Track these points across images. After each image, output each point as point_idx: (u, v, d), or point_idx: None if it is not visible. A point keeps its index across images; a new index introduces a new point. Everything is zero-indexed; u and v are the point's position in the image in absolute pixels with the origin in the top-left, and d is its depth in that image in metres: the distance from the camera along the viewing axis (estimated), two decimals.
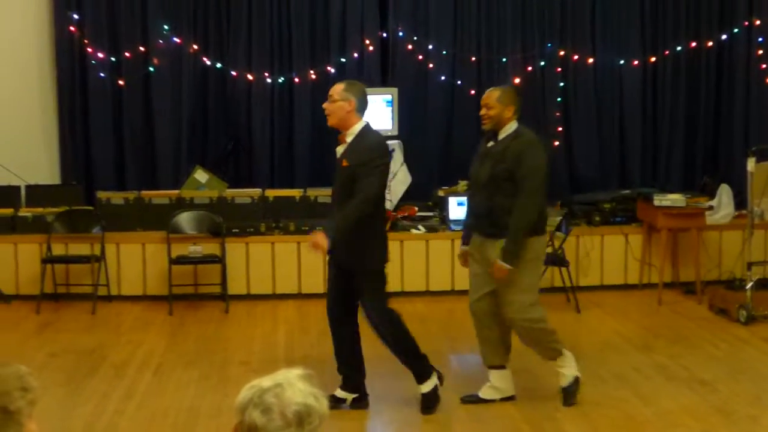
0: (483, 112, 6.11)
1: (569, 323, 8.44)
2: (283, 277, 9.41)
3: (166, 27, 10.28)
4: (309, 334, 8.15)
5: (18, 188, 9.91)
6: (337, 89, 6.01)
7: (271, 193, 9.83)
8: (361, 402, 6.27)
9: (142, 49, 10.32)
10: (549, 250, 9.03)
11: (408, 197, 9.88)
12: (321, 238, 5.75)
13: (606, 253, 9.63)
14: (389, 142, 9.37)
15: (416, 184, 9.89)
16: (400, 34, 10.46)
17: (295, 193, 9.83)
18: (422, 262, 9.46)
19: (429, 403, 6.17)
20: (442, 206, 9.85)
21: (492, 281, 6.09)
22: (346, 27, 10.46)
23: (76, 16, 10.26)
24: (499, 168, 5.98)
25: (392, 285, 9.06)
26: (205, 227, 9.34)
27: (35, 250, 9.34)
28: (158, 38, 10.29)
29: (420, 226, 9.58)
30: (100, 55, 10.25)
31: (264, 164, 10.49)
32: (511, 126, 6.09)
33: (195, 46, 10.34)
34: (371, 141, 5.99)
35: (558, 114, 10.59)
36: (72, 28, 10.26)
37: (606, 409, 6.16)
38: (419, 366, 6.22)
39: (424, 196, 10.21)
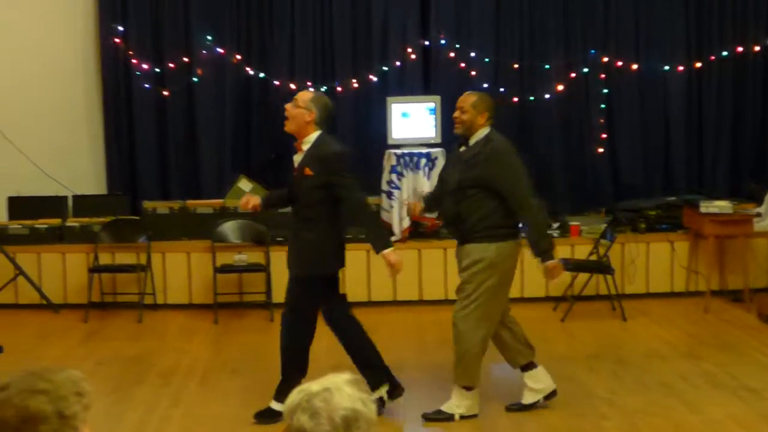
0: (456, 115, 6.14)
1: (615, 331, 8.42)
2: None
3: (209, 37, 10.39)
4: None
5: (65, 198, 10.06)
6: (304, 97, 6.11)
7: None
8: None
9: (185, 59, 10.44)
10: (594, 257, 9.05)
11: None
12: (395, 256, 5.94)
13: (651, 260, 9.57)
14: (432, 150, 9.47)
15: None
16: (442, 42, 10.48)
17: None
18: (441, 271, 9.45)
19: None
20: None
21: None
22: (388, 35, 10.50)
23: (120, 28, 10.41)
24: (467, 174, 6.01)
25: (435, 293, 9.19)
26: (249, 236, 9.42)
27: (82, 259, 9.47)
28: (201, 49, 10.40)
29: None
30: (145, 66, 10.38)
31: None
32: (483, 132, 6.11)
33: (238, 56, 10.44)
34: (333, 149, 6.07)
35: (602, 121, 10.54)
36: (117, 40, 10.40)
37: (653, 418, 6.14)
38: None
39: None
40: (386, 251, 5.97)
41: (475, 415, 6.16)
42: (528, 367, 6.35)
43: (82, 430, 2.43)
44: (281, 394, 5.98)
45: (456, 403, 6.15)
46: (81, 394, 2.46)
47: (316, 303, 6.25)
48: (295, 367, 6.13)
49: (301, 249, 6.15)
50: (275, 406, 6.09)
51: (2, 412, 2.36)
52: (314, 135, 6.07)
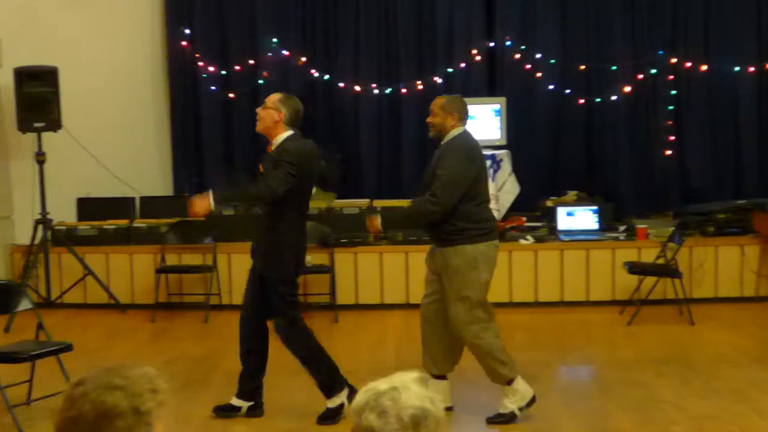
0: (429, 119, 6.21)
1: (682, 336, 8.33)
2: (391, 287, 9.48)
3: (274, 40, 10.47)
4: (417, 344, 8.15)
5: (133, 200, 10.21)
6: (273, 98, 6.17)
7: (379, 203, 9.90)
8: (255, 411, 6.39)
9: (251, 62, 10.53)
10: (661, 261, 8.95)
11: (516, 207, 9.85)
12: (202, 200, 5.93)
13: (720, 264, 9.46)
14: (497, 152, 9.45)
15: (524, 194, 9.85)
16: (508, 43, 10.46)
17: (403, 203, 9.84)
18: (530, 273, 9.43)
19: (329, 416, 6.18)
20: (550, 216, 9.81)
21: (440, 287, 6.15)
22: (453, 37, 10.50)
23: (187, 32, 10.54)
24: (428, 173, 6.13)
25: (500, 296, 9.16)
26: (314, 238, 9.46)
27: (149, 260, 9.61)
28: (267, 51, 10.49)
29: (528, 237, 9.55)
30: (211, 68, 10.49)
31: (371, 174, 10.58)
32: (454, 132, 6.15)
33: (303, 59, 10.50)
34: (294, 144, 6.10)
35: (670, 123, 10.42)
36: (184, 43, 10.53)
37: (722, 423, 6.05)
38: (327, 379, 6.26)
39: (533, 206, 10.17)
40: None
41: (533, 399, 6.12)
42: (437, 377, 6.29)
43: (156, 426, 2.47)
44: (331, 391, 6.19)
45: (509, 401, 6.12)
46: (156, 391, 2.50)
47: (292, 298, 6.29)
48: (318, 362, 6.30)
49: (268, 252, 6.20)
50: (330, 404, 6.19)
51: (79, 407, 2.40)
52: (283, 135, 6.12)
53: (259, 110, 6.18)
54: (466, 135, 6.22)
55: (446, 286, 6.05)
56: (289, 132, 6.14)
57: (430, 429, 2.49)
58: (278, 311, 6.22)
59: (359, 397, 2.54)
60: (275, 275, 6.16)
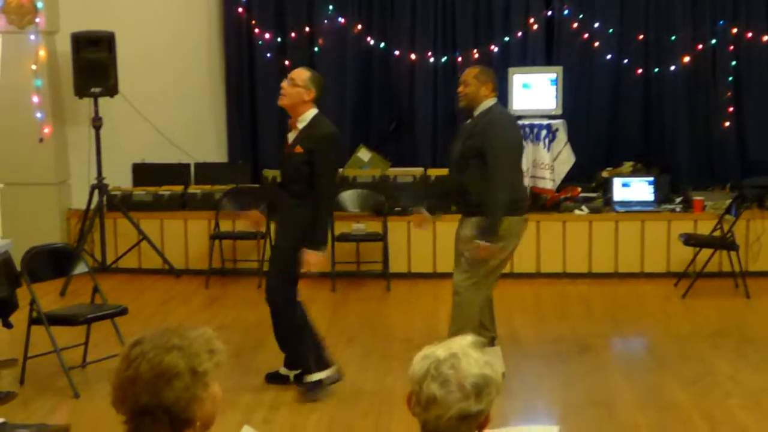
0: (460, 89, 6.16)
1: (738, 309, 8.22)
2: (445, 257, 9.39)
3: (331, 7, 10.41)
4: None
5: (188, 166, 10.25)
6: (302, 76, 6.06)
7: (433, 172, 9.85)
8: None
9: (307, 29, 10.48)
10: (718, 233, 8.82)
11: (571, 178, 9.74)
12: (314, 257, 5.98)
13: None
14: (553, 122, 9.36)
15: (580, 164, 9.73)
16: (566, 12, 10.30)
17: None
18: (585, 244, 9.35)
19: (311, 389, 6.14)
20: (606, 187, 9.70)
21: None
22: (510, 6, 10.36)
23: None
24: (467, 144, 6.05)
25: (554, 266, 9.12)
26: (368, 205, 9.47)
27: (204, 226, 9.65)
28: (323, 19, 10.44)
29: (583, 207, 9.46)
30: (267, 35, 10.46)
31: (426, 143, 10.52)
32: (487, 104, 6.10)
33: (359, 26, 10.44)
34: (326, 129, 6.08)
35: (729, 94, 10.21)
36: (240, 10, 10.50)
37: None
38: (302, 356, 6.21)
39: (588, 176, 10.06)
40: (311, 250, 5.95)
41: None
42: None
43: (212, 386, 2.47)
44: (307, 369, 6.16)
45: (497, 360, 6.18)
46: (213, 352, 2.51)
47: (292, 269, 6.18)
48: (298, 338, 6.26)
49: (288, 222, 6.16)
50: (311, 378, 6.15)
51: (137, 366, 2.41)
52: (310, 113, 6.08)
53: (285, 85, 6.09)
54: (500, 106, 6.25)
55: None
56: (315, 110, 6.12)
57: (491, 396, 2.48)
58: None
59: (419, 365, 2.51)
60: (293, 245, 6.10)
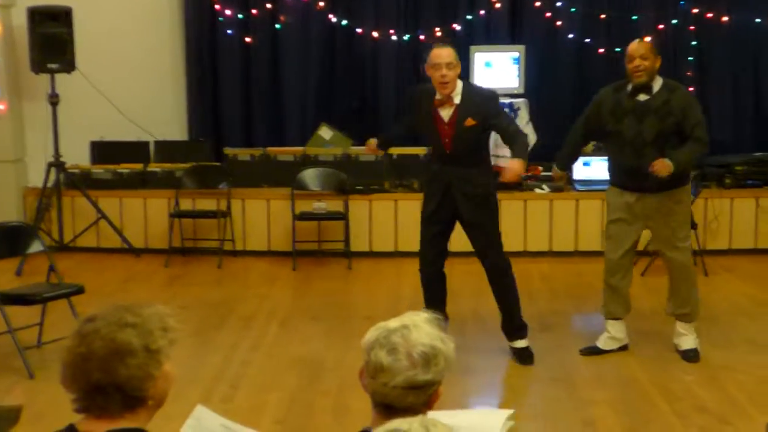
0: (638, 63, 6.02)
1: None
2: (406, 235, 9.43)
3: None
4: None
5: (147, 144, 10.16)
6: (453, 55, 6.01)
7: (396, 150, 9.82)
8: None
9: (269, 6, 10.40)
10: None
11: (533, 157, 9.72)
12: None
13: (736, 216, 9.38)
14: (515, 100, 9.36)
15: (542, 143, 9.74)
16: None
17: (420, 151, 9.82)
18: (546, 223, 9.39)
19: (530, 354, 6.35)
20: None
21: (635, 238, 6.28)
22: None
23: None
24: (668, 122, 5.98)
25: (515, 245, 9.14)
26: (329, 184, 9.43)
27: (164, 204, 9.58)
28: None
29: (544, 186, 9.49)
30: (228, 12, 10.37)
31: (389, 122, 10.47)
32: (659, 78, 6.09)
33: (321, 3, 10.37)
34: (486, 92, 6.25)
35: (690, 74, 10.26)
36: None
37: (737, 374, 6.03)
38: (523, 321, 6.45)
39: (549, 155, 10.06)
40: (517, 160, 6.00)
41: None
42: (617, 318, 6.48)
43: (165, 364, 2.46)
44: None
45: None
46: (167, 330, 2.49)
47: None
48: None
49: (477, 195, 6.18)
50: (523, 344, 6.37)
51: (89, 343, 2.39)
52: (459, 85, 6.09)
53: (448, 73, 5.96)
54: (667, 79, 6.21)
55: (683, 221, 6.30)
56: (460, 82, 6.13)
57: (440, 367, 2.50)
58: None
59: (369, 335, 2.55)
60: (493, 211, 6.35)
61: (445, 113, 6.09)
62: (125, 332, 2.40)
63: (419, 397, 2.48)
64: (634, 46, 6.09)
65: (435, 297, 6.42)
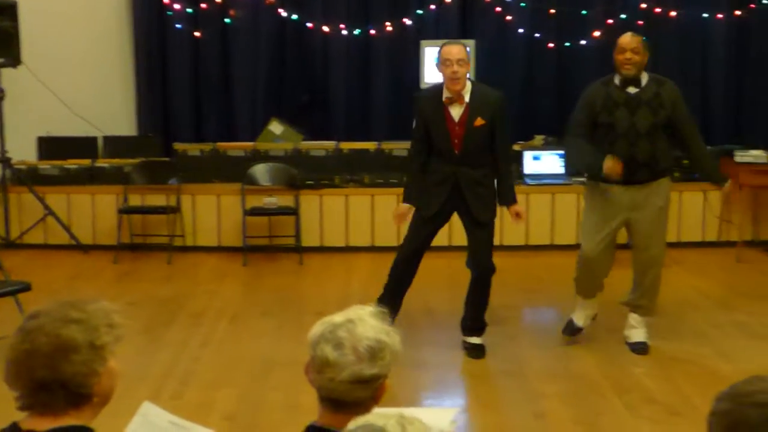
0: (629, 56, 6.05)
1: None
2: (357, 230, 9.45)
3: None
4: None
5: (95, 139, 10.06)
6: (464, 51, 6.04)
7: (346, 145, 9.84)
8: None
9: (218, 0, 10.34)
10: None
11: None
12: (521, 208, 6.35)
13: (684, 209, 9.47)
14: None
15: None
16: None
17: (370, 146, 9.83)
18: (497, 217, 9.38)
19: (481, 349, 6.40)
20: (517, 160, 9.75)
21: (617, 230, 6.32)
22: None
23: None
24: (660, 115, 6.06)
25: (464, 239, 9.15)
26: (280, 179, 9.39)
27: (112, 200, 9.48)
28: None
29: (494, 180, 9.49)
30: (177, 6, 10.30)
31: (339, 117, 10.49)
32: (644, 73, 6.15)
33: None
34: (496, 94, 6.20)
35: None
36: None
37: (685, 365, 6.11)
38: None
39: None
40: (515, 205, 6.27)
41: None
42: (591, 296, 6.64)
43: (110, 362, 2.43)
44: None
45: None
46: (112, 326, 2.47)
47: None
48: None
49: (488, 196, 6.23)
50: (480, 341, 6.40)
51: (33, 339, 2.37)
52: (468, 84, 6.09)
53: (459, 69, 5.96)
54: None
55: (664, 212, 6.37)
56: (470, 81, 6.15)
57: (386, 361, 2.50)
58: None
59: (315, 329, 2.54)
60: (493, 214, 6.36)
61: (456, 112, 6.07)
62: (69, 328, 2.38)
63: (366, 391, 2.48)
64: (626, 39, 6.12)
65: (401, 290, 6.45)
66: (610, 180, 6.12)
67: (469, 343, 6.36)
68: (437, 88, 6.17)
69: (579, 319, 6.52)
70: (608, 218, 6.25)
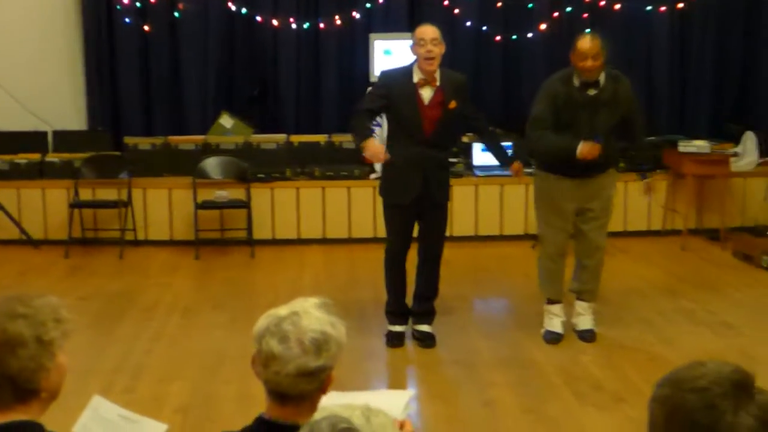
0: (590, 64, 5.95)
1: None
2: (309, 223, 9.44)
3: None
4: (335, 278, 8.18)
5: (45, 134, 9.93)
6: (438, 32, 6.02)
7: (297, 138, 9.82)
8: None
9: None
10: None
11: None
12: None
13: (630, 199, 9.55)
14: None
15: None
16: None
17: (320, 138, 9.81)
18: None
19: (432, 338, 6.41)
20: (466, 152, 9.79)
21: (572, 221, 6.34)
22: None
23: None
24: (617, 115, 6.09)
25: (415, 230, 9.17)
26: (230, 172, 9.35)
27: (63, 195, 9.38)
28: None
29: None
30: (125, 0, 10.19)
31: (290, 110, 10.44)
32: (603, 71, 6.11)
33: None
34: (460, 75, 6.26)
35: None
36: None
37: (630, 352, 6.19)
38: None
39: None
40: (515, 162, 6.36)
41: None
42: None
43: (58, 356, 2.41)
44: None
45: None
46: (60, 321, 2.45)
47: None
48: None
49: (447, 179, 6.23)
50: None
51: None
52: (438, 68, 6.05)
53: (434, 49, 5.96)
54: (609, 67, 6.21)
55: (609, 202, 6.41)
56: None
57: (331, 352, 2.50)
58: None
59: (260, 323, 2.54)
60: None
61: (427, 94, 6.00)
62: (16, 323, 2.36)
63: (312, 383, 2.48)
64: (586, 45, 5.98)
65: (403, 292, 6.41)
66: (563, 171, 6.17)
67: (420, 332, 6.37)
68: (406, 69, 6.09)
69: (555, 327, 6.45)
70: (564, 208, 6.27)
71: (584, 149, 5.93)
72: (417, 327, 6.40)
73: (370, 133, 6.00)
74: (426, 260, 6.35)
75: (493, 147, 6.52)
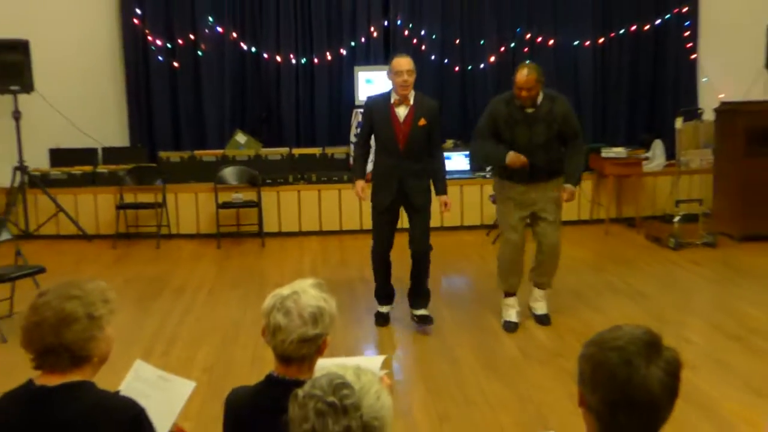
0: (525, 95, 5.70)
1: (532, 252, 8.42)
2: (307, 218, 9.41)
3: (210, 19, 10.15)
4: (329, 262, 8.16)
5: (95, 150, 9.88)
6: (412, 63, 5.86)
7: (297, 151, 9.79)
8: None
9: (192, 37, 10.20)
10: None
11: None
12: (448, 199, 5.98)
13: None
14: None
15: None
16: (399, 22, 10.32)
17: (316, 151, 9.79)
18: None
19: (430, 321, 6.13)
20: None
21: (524, 217, 6.07)
22: (356, 17, 10.30)
23: (138, 11, 10.13)
24: (553, 129, 5.80)
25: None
26: (244, 179, 9.32)
27: (110, 199, 9.34)
28: (205, 28, 10.16)
29: None
30: (159, 42, 10.14)
31: (291, 128, 10.41)
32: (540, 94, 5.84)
33: (234, 34, 10.22)
34: (433, 101, 6.05)
35: None
36: (136, 21, 10.14)
37: (566, 318, 6.18)
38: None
39: None
40: (445, 196, 5.94)
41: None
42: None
43: (106, 329, 2.41)
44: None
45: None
46: (107, 301, 2.44)
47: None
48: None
49: (424, 186, 5.97)
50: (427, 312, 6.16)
51: (42, 313, 2.35)
52: (412, 93, 5.90)
53: (408, 78, 5.80)
54: (548, 89, 5.94)
55: (557, 207, 6.03)
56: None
57: (325, 322, 2.51)
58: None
59: (267, 302, 2.53)
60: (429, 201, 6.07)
61: (402, 113, 5.86)
62: (71, 303, 2.35)
63: (311, 347, 2.48)
64: (522, 79, 5.70)
65: (388, 278, 6.22)
66: (514, 179, 5.95)
67: (417, 315, 6.13)
68: (386, 94, 5.97)
69: (512, 317, 6.11)
70: (519, 210, 6.03)
71: (511, 158, 5.78)
72: (414, 311, 6.16)
73: (361, 175, 6.03)
74: (415, 259, 6.10)
75: (435, 176, 6.04)
